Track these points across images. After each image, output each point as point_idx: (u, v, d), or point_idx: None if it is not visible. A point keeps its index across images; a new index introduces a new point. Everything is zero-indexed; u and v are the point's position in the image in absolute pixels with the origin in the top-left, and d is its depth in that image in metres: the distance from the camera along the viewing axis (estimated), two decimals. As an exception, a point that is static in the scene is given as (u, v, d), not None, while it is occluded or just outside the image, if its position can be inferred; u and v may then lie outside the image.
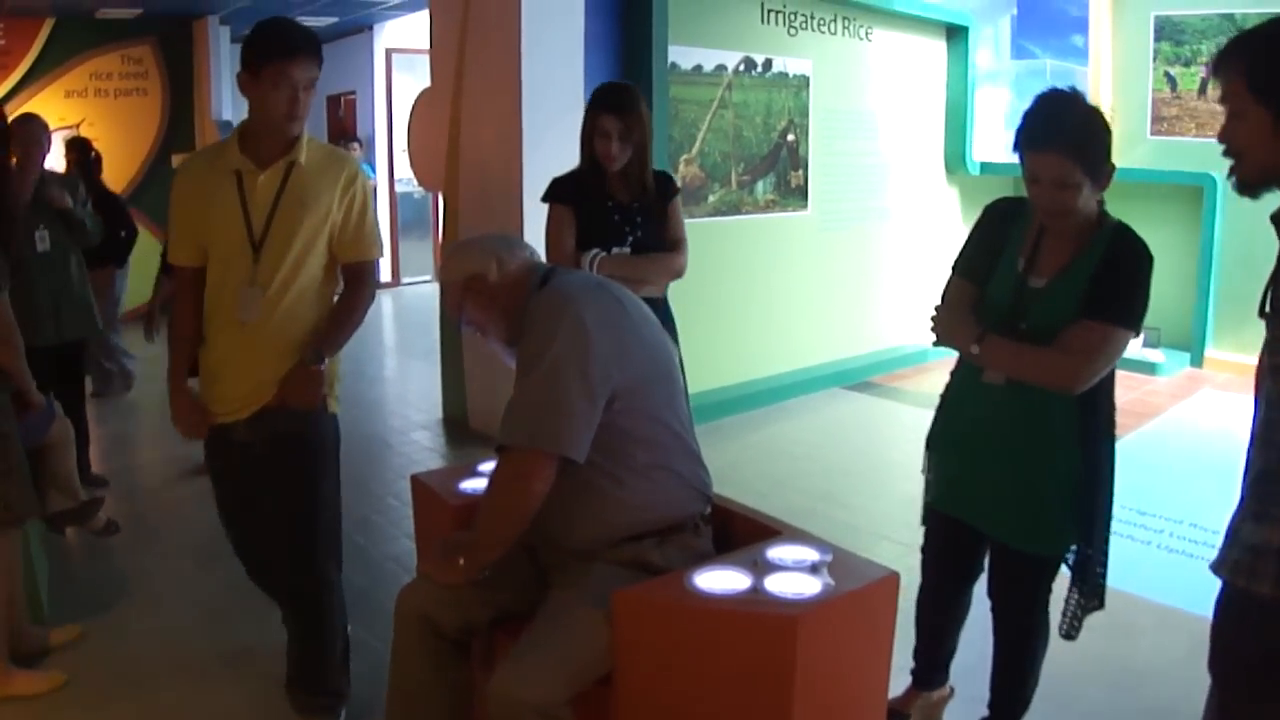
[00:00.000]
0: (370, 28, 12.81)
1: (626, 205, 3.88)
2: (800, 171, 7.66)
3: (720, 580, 2.28)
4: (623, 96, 3.86)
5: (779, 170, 7.51)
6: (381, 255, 3.16)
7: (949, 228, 8.94)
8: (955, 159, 8.83)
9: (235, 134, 2.95)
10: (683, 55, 6.68)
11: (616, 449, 2.44)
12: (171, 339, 3.12)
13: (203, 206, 2.90)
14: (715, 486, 2.69)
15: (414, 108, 7.04)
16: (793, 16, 7.42)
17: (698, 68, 6.83)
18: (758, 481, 5.40)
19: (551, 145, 5.54)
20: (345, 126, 13.90)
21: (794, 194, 7.64)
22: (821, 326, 7.90)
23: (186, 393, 3.05)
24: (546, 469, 2.34)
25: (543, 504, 2.37)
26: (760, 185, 7.39)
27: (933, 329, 2.79)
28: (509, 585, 2.57)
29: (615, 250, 3.82)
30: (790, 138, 7.56)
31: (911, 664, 3.19)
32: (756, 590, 2.25)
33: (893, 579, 2.37)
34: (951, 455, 2.91)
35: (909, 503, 5.30)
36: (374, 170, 12.87)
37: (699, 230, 6.89)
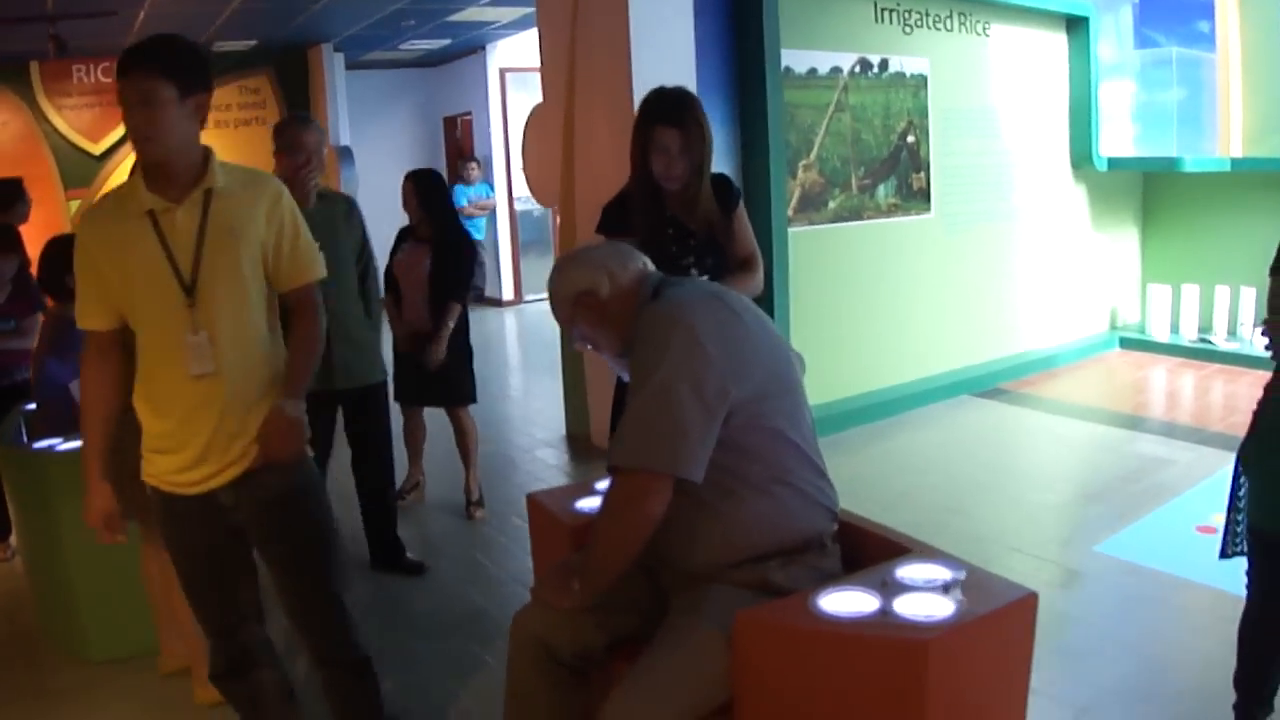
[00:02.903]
0: (483, 48, 12.98)
1: (688, 230, 3.49)
2: (922, 173, 7.49)
3: (846, 602, 2.18)
4: (681, 105, 3.47)
5: (900, 173, 7.35)
6: (325, 274, 2.81)
7: (1077, 226, 8.66)
8: (1082, 155, 8.52)
9: (137, 171, 2.57)
10: (796, 59, 6.58)
11: (735, 465, 2.33)
12: (85, 420, 2.68)
13: (116, 257, 2.53)
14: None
15: (526, 125, 7.06)
16: (908, 14, 7.27)
17: (812, 71, 6.72)
18: (883, 494, 5.26)
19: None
20: (462, 147, 14.11)
21: (916, 196, 7.47)
22: (948, 332, 7.70)
23: (107, 487, 2.68)
24: (662, 490, 2.24)
25: (660, 525, 2.28)
26: (881, 189, 7.24)
27: (1266, 338, 2.69)
28: (626, 608, 2.50)
29: None
30: (910, 139, 7.39)
31: (1232, 696, 2.96)
32: (885, 612, 2.13)
33: (1030, 599, 2.24)
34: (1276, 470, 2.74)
35: (1041, 513, 5.14)
36: (493, 189, 13.00)
37: (820, 237, 6.82)
